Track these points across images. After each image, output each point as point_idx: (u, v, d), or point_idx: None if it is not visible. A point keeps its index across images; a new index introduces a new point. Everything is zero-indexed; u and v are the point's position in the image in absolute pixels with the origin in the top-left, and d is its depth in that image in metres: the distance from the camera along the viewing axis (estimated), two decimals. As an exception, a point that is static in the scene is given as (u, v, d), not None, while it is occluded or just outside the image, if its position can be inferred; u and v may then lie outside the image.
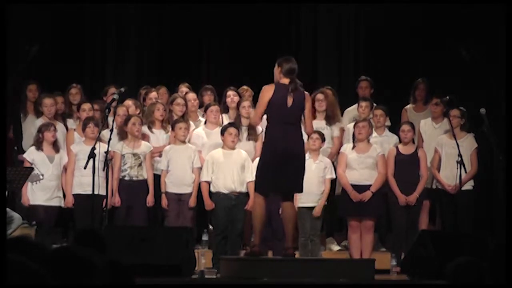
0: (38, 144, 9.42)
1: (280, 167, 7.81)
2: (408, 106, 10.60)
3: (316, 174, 9.43)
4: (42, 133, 9.42)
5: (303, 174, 8.03)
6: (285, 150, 7.81)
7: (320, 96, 10.04)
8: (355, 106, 10.37)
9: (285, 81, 7.92)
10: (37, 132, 9.48)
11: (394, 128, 10.03)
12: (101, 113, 9.78)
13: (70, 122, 10.12)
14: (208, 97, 10.34)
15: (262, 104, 7.91)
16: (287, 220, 8.05)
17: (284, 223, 8.13)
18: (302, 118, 8.01)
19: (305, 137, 9.63)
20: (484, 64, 10.71)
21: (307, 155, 9.48)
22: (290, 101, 7.87)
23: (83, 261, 2.64)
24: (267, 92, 7.91)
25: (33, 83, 10.30)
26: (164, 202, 9.44)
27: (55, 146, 9.49)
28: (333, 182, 9.67)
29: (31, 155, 9.42)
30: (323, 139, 9.52)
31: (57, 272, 2.41)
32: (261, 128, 9.62)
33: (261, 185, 8.00)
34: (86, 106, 9.85)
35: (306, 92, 8.06)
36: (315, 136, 9.46)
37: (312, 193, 9.39)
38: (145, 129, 9.78)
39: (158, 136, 9.84)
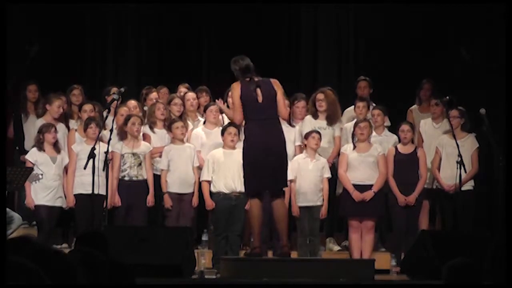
0: (40, 145, 9.43)
1: (264, 166, 7.82)
2: (413, 107, 10.59)
3: (314, 173, 9.44)
4: (43, 134, 9.43)
5: (286, 168, 8.05)
6: (264, 146, 7.82)
7: (320, 96, 10.02)
8: (353, 106, 10.37)
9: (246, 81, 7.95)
10: (38, 133, 9.48)
11: (394, 128, 10.02)
12: (100, 114, 9.78)
13: (72, 123, 10.12)
14: (203, 99, 10.34)
15: (236, 102, 7.96)
16: (278, 219, 8.06)
17: (276, 222, 8.15)
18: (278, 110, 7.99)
19: (295, 132, 9.70)
20: (484, 64, 10.71)
21: (303, 155, 9.52)
22: (260, 96, 7.88)
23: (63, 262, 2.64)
24: (235, 90, 7.96)
25: (33, 83, 10.31)
26: (168, 202, 9.43)
27: (56, 146, 9.51)
28: (333, 182, 9.68)
29: (33, 156, 9.42)
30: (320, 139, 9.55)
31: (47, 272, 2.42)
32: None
33: (249, 185, 8.04)
34: (88, 107, 9.86)
35: (272, 80, 8.02)
36: (316, 136, 9.48)
37: (310, 192, 9.41)
38: (146, 129, 9.78)
39: (161, 136, 9.84)
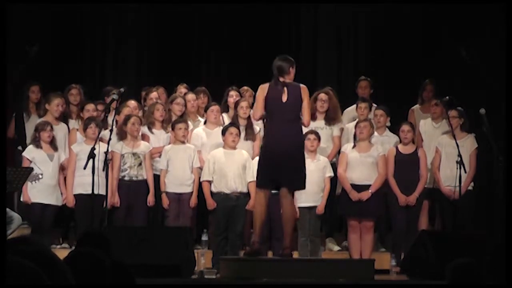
0: (36, 142, 9.44)
1: (278, 163, 7.87)
2: (415, 106, 10.58)
3: (315, 173, 9.43)
4: (39, 132, 9.46)
5: (303, 171, 8.06)
6: (282, 146, 7.87)
7: (323, 96, 10.00)
8: (354, 106, 10.36)
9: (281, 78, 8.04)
10: (34, 131, 9.51)
11: (394, 129, 10.02)
12: (103, 114, 9.78)
13: (71, 122, 10.13)
14: (201, 100, 10.34)
15: (259, 101, 8.08)
16: (286, 219, 8.08)
17: (283, 222, 8.17)
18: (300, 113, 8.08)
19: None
20: (484, 64, 10.70)
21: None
22: (285, 97, 7.95)
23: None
24: (262, 90, 8.09)
25: (36, 84, 10.31)
26: (165, 201, 9.44)
27: (53, 144, 9.52)
28: (333, 181, 9.67)
29: (30, 153, 9.44)
30: (319, 138, 9.53)
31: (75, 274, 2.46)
32: (258, 127, 9.65)
33: (261, 181, 8.07)
34: (90, 106, 9.89)
35: (302, 85, 8.12)
36: (312, 136, 9.47)
37: (311, 192, 9.39)
38: (145, 129, 9.78)
39: (159, 137, 9.85)
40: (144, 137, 9.75)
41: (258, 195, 8.12)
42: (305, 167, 8.11)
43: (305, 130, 9.62)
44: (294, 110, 8.01)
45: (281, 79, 8.04)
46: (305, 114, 8.08)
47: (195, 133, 9.85)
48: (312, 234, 9.43)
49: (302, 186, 8.17)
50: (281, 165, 7.88)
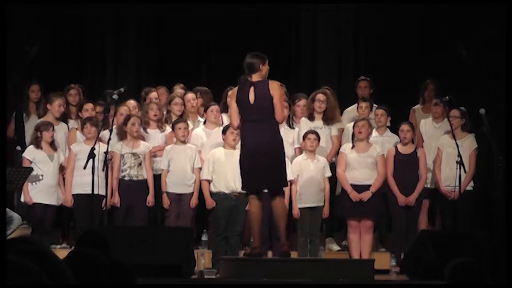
0: (37, 143, 9.44)
1: (256, 164, 7.82)
2: (416, 106, 10.58)
3: (315, 174, 9.44)
4: (41, 132, 9.45)
5: (283, 168, 7.98)
6: (256, 147, 7.80)
7: (321, 96, 10.00)
8: (355, 106, 10.37)
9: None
10: (35, 130, 9.50)
11: (394, 129, 10.02)
12: (102, 114, 9.80)
13: (71, 122, 10.13)
14: (200, 100, 10.34)
15: (232, 107, 8.01)
16: (277, 218, 8.07)
17: (275, 221, 8.16)
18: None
19: (295, 134, 9.70)
20: (484, 64, 10.71)
21: (304, 156, 9.51)
22: (252, 97, 7.84)
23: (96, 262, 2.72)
24: (232, 94, 8.06)
25: (36, 83, 10.32)
26: (166, 202, 9.44)
27: (53, 144, 9.52)
28: (333, 181, 9.67)
29: (31, 153, 9.43)
30: (319, 139, 9.52)
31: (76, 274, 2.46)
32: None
33: (245, 185, 8.06)
34: (89, 106, 9.89)
35: (271, 81, 7.91)
36: (312, 136, 9.47)
37: (311, 193, 9.41)
38: (140, 129, 9.77)
39: (154, 136, 9.85)
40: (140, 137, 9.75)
41: (251, 199, 8.09)
42: (285, 164, 8.04)
43: (305, 129, 9.66)
44: (263, 110, 7.79)
45: (250, 78, 7.93)
46: (277, 110, 7.81)
47: (194, 133, 9.85)
48: (312, 234, 9.43)
49: (285, 184, 8.14)
50: (259, 168, 7.81)
